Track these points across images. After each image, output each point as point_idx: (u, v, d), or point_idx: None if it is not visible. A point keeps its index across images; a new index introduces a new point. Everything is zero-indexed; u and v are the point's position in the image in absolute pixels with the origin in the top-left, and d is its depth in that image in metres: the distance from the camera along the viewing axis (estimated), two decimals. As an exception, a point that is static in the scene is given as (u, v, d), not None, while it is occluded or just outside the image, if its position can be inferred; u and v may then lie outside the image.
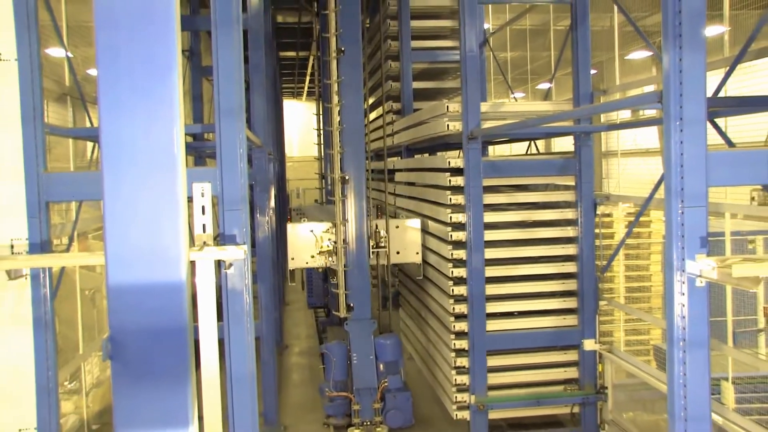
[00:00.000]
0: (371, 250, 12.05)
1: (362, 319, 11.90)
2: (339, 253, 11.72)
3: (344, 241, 11.73)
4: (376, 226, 12.18)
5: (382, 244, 12.17)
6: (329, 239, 11.92)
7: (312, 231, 12.00)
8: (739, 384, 9.03)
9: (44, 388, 6.48)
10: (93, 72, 2.85)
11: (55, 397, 6.57)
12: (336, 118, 11.69)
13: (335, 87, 11.62)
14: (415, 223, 12.55)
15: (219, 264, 5.92)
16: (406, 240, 12.43)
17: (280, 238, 18.70)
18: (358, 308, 11.84)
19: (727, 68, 7.30)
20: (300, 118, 42.59)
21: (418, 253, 12.50)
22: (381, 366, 11.48)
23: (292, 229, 12.14)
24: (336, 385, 11.51)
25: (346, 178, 11.69)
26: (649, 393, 10.44)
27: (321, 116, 21.97)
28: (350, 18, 11.78)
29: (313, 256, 12.03)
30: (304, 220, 12.33)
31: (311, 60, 24.39)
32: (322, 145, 22.88)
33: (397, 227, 12.36)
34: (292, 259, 12.09)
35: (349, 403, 11.35)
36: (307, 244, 11.97)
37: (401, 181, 15.37)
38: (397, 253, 12.39)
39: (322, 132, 22.47)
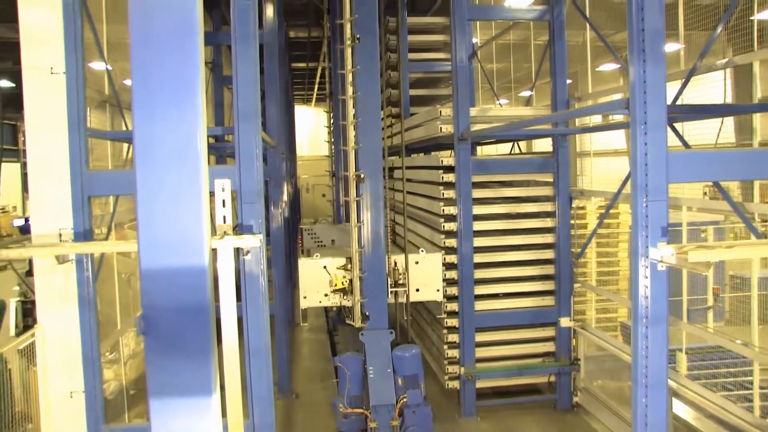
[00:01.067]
0: (389, 290, 9.89)
1: (379, 329, 9.75)
2: (354, 268, 9.67)
3: (359, 244, 9.72)
4: (395, 262, 10.04)
5: (401, 282, 10.05)
6: (344, 276, 9.83)
7: (325, 267, 9.90)
8: (690, 354, 9.09)
9: (89, 358, 6.53)
10: (128, 82, 2.88)
11: (98, 365, 6.62)
12: (351, 111, 9.70)
13: (350, 77, 9.66)
14: (436, 258, 10.35)
15: (238, 251, 5.95)
16: (426, 276, 10.20)
17: (291, 229, 18.68)
18: (375, 317, 9.75)
19: (683, 79, 7.33)
20: (309, 122, 42.72)
21: (438, 290, 10.29)
22: (399, 380, 9.36)
23: (303, 265, 10.00)
24: (350, 400, 9.50)
25: (362, 176, 9.61)
26: (616, 363, 10.49)
27: (332, 112, 19.76)
28: (366, 3, 9.79)
29: (326, 295, 9.93)
30: (316, 256, 9.95)
31: (319, 70, 24.35)
32: (333, 143, 20.56)
33: (417, 263, 10.12)
34: (305, 297, 9.95)
35: (365, 420, 9.36)
36: (321, 281, 9.89)
37: (398, 178, 15.37)
38: (417, 290, 10.16)
39: (332, 128, 20.04)
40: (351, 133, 9.69)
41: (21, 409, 6.80)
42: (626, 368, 9.93)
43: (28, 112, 6.48)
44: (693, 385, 8.59)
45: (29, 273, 7.04)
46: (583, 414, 11.22)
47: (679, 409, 9.04)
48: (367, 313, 9.75)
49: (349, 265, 9.80)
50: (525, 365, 11.38)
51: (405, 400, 9.19)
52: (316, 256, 9.96)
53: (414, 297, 10.22)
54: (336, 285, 9.83)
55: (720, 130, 8.60)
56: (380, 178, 9.76)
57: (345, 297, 9.88)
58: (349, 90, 9.64)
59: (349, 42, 9.54)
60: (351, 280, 9.71)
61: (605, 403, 10.78)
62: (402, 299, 10.16)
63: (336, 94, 16.63)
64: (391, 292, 9.94)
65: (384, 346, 9.59)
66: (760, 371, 7.94)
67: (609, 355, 10.62)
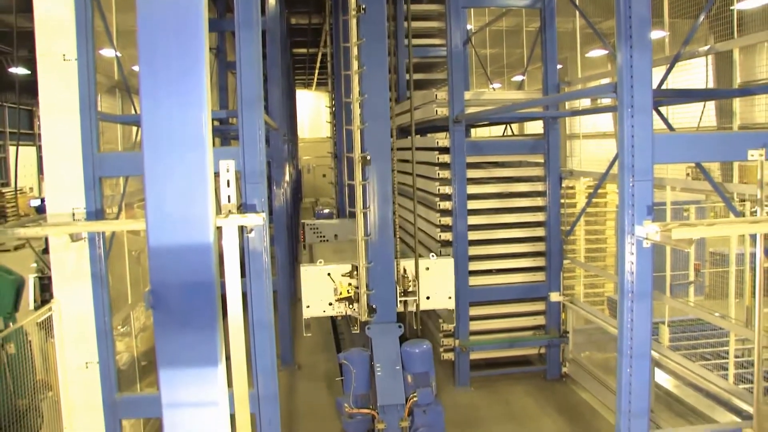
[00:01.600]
0: (398, 299, 8.80)
1: (387, 323, 8.68)
2: (360, 255, 8.56)
3: (366, 232, 8.61)
4: (404, 269, 8.90)
5: (411, 290, 8.90)
6: (350, 285, 8.75)
7: (329, 275, 8.76)
8: (672, 326, 9.14)
9: (102, 331, 6.55)
10: (137, 68, 2.87)
11: (111, 338, 6.64)
12: (356, 88, 8.52)
13: (355, 50, 8.45)
14: (447, 263, 9.17)
15: (242, 229, 5.95)
16: (437, 283, 9.06)
17: (293, 208, 18.69)
18: (382, 310, 8.69)
19: (668, 65, 7.30)
20: (310, 105, 42.76)
21: (450, 297, 9.12)
22: (409, 378, 8.34)
23: (306, 272, 8.84)
24: (356, 400, 8.43)
25: (368, 158, 8.47)
26: (603, 336, 10.53)
27: (333, 91, 18.38)
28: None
29: (331, 304, 8.81)
30: (320, 263, 8.80)
31: (320, 55, 24.20)
32: (335, 123, 19.18)
33: (428, 269, 8.97)
34: (308, 306, 8.87)
35: (372, 421, 8.35)
36: (324, 289, 8.78)
37: (401, 159, 15.36)
38: (428, 298, 9.00)
39: (334, 108, 18.74)
40: (356, 111, 8.52)
41: (41, 378, 6.85)
42: (612, 340, 9.97)
43: (43, 97, 6.45)
44: (674, 355, 8.64)
45: (45, 250, 7.04)
46: (571, 384, 11.28)
47: (661, 378, 9.10)
48: (373, 306, 8.67)
49: (355, 272, 8.69)
50: (516, 338, 11.42)
51: (415, 399, 8.20)
52: (320, 262, 8.83)
53: (425, 305, 9.05)
54: (341, 293, 8.73)
55: (702, 114, 8.58)
56: (388, 160, 8.65)
57: (351, 306, 8.76)
58: (354, 64, 8.45)
59: (354, 12, 8.39)
60: (357, 288, 8.63)
61: (592, 373, 10.84)
62: (412, 308, 9.00)
63: (338, 72, 16.22)
64: (401, 301, 8.80)
65: (392, 341, 8.49)
66: (735, 342, 7.99)
67: (596, 327, 10.66)
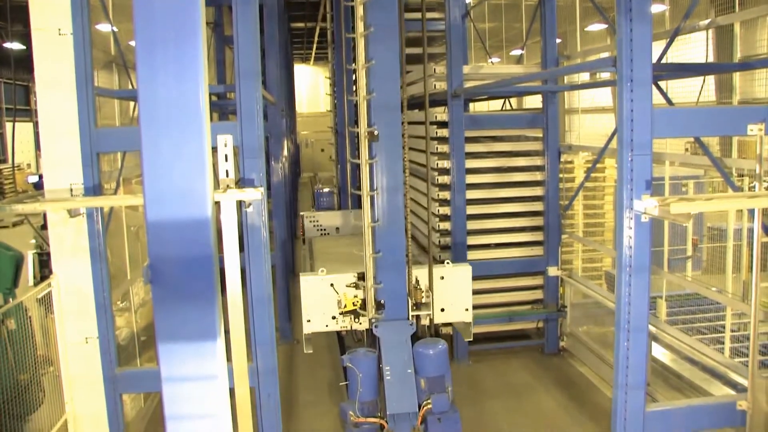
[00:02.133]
0: (410, 313, 7.83)
1: (397, 321, 7.73)
2: (366, 243, 7.62)
3: (373, 217, 7.65)
4: (416, 279, 7.92)
5: (424, 301, 7.94)
6: (355, 296, 7.84)
7: (332, 285, 7.85)
8: (669, 300, 9.18)
9: (101, 306, 6.57)
10: (133, 43, 2.84)
11: (111, 313, 6.66)
12: (362, 53, 7.43)
13: (360, 10, 7.36)
14: (464, 270, 8.15)
15: (240, 204, 5.94)
16: (453, 293, 8.09)
17: (291, 182, 18.64)
18: (391, 305, 7.73)
19: (668, 39, 7.25)
20: (308, 80, 42.64)
21: (468, 309, 8.14)
22: (422, 382, 7.41)
23: (306, 283, 7.88)
24: (363, 407, 7.43)
25: (375, 133, 7.50)
26: (600, 310, 10.58)
27: (333, 60, 17.12)
28: None
29: (334, 317, 7.89)
30: (321, 272, 7.87)
31: (318, 29, 23.99)
32: (336, 95, 17.64)
33: (443, 278, 8.01)
34: (308, 321, 7.93)
35: (380, 430, 7.46)
36: (327, 301, 7.89)
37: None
38: (442, 310, 8.05)
39: (335, 78, 17.32)
40: (362, 80, 7.51)
41: (42, 353, 6.88)
42: (610, 314, 10.02)
43: (38, 72, 6.41)
44: (671, 329, 8.69)
45: (44, 227, 7.04)
46: (568, 357, 11.35)
47: (658, 352, 9.16)
48: (381, 301, 7.76)
49: (361, 282, 7.81)
50: (514, 312, 11.47)
51: (429, 406, 7.28)
52: (321, 271, 7.91)
53: (439, 318, 8.11)
54: (346, 306, 7.82)
55: (702, 88, 8.55)
56: (398, 135, 7.66)
57: (357, 320, 7.87)
58: (360, 26, 7.41)
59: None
60: (364, 300, 7.76)
61: (589, 347, 10.90)
62: (425, 322, 8.07)
63: (339, 39, 15.47)
64: (412, 315, 7.85)
65: (403, 341, 7.57)
66: (732, 316, 8.03)
67: (594, 302, 10.71)
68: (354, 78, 7.88)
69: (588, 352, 10.92)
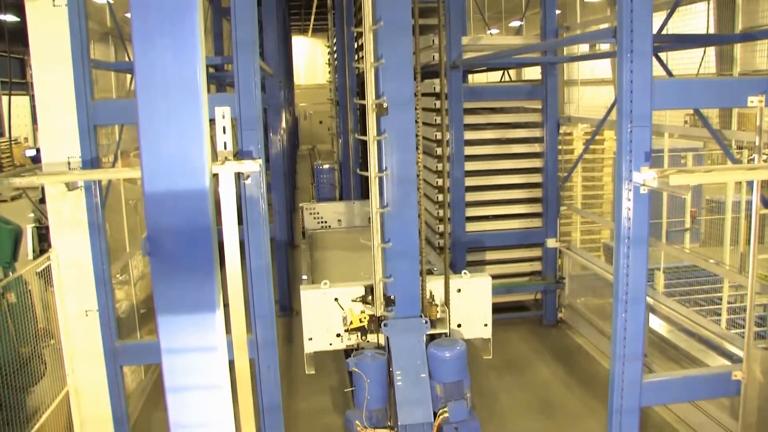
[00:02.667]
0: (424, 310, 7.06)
1: (409, 318, 6.91)
2: (375, 232, 6.80)
3: (381, 203, 6.80)
4: (430, 293, 7.16)
5: (439, 317, 7.14)
6: (363, 313, 7.05)
7: (337, 300, 7.09)
8: (667, 272, 9.22)
9: (101, 279, 6.58)
10: (129, 14, 2.82)
11: (110, 286, 6.68)
12: (369, 13, 6.51)
13: None
14: (483, 282, 7.40)
15: (238, 176, 5.92)
16: (470, 307, 7.34)
17: (290, 155, 18.54)
18: (403, 301, 6.92)
19: (669, 10, 7.19)
20: (306, 51, 42.36)
21: (487, 324, 7.40)
22: (438, 388, 6.63)
23: (307, 298, 7.13)
24: (371, 417, 6.72)
25: (384, 105, 6.61)
26: (598, 282, 10.62)
27: (334, 26, 16.06)
28: None
29: (339, 335, 7.15)
30: (324, 284, 7.07)
31: (315, 1, 23.79)
32: (336, 63, 16.27)
33: (459, 291, 7.23)
34: (310, 339, 7.17)
35: None
36: (331, 317, 7.14)
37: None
38: (459, 326, 7.36)
39: (335, 46, 16.16)
40: (369, 45, 6.52)
41: (43, 326, 6.91)
42: (607, 286, 10.06)
43: (33, 45, 6.35)
44: (668, 301, 8.73)
45: (42, 200, 7.03)
46: (566, 329, 11.42)
47: (655, 323, 9.21)
48: (391, 296, 6.94)
49: (370, 297, 7.01)
50: (513, 283, 11.51)
51: (446, 415, 6.54)
52: (324, 284, 7.11)
53: (455, 335, 7.34)
54: (352, 323, 7.07)
55: (702, 60, 8.49)
56: (411, 108, 6.76)
57: (364, 337, 7.13)
58: None
59: None
60: (372, 316, 7.01)
61: (587, 318, 10.97)
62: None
63: (339, 3, 14.73)
64: (426, 334, 6.98)
65: (416, 342, 6.76)
66: (729, 288, 8.07)
67: (592, 274, 10.74)
68: (358, 44, 7.50)
69: (586, 323, 10.99)
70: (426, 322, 6.88)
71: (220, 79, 12.52)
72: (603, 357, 10.14)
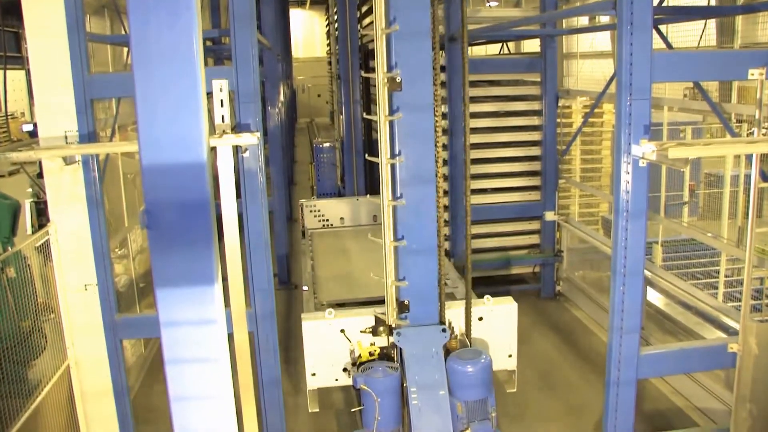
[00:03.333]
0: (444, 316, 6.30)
1: (425, 326, 6.13)
2: (386, 229, 5.95)
3: (394, 194, 5.94)
4: (449, 322, 6.32)
5: (457, 348, 6.24)
6: (372, 345, 6.27)
7: (343, 332, 6.25)
8: (665, 246, 9.24)
9: (100, 253, 6.58)
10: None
11: (109, 260, 6.68)
12: None
13: None
14: (509, 309, 6.49)
15: (236, 149, 5.90)
16: (493, 336, 6.49)
17: (288, 128, 18.42)
18: (419, 307, 6.14)
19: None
20: (304, 24, 42.06)
21: (511, 355, 6.56)
22: (459, 407, 5.82)
23: (310, 329, 6.30)
24: None
25: (397, 79, 5.69)
26: (597, 255, 10.65)
27: None
28: None
29: (346, 369, 6.34)
30: (329, 313, 6.27)
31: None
32: (337, 32, 14.65)
33: (481, 319, 6.41)
34: (313, 374, 6.39)
35: None
36: (336, 350, 6.31)
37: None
38: None
39: (335, 12, 14.77)
40: (380, 8, 5.65)
41: (43, 301, 6.93)
42: (605, 259, 10.09)
43: (27, 18, 6.27)
44: (666, 274, 8.76)
45: (40, 175, 7.01)
46: (564, 302, 11.48)
47: (653, 296, 9.25)
48: (405, 302, 6.14)
49: (381, 328, 6.19)
50: (511, 256, 11.54)
51: None
52: (329, 313, 6.31)
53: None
54: (360, 357, 6.25)
55: (703, 32, 8.42)
56: (429, 82, 5.85)
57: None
58: None
59: None
60: (384, 349, 6.28)
61: (585, 291, 11.01)
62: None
63: None
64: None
65: (433, 353, 5.96)
66: (726, 261, 8.09)
67: (590, 247, 10.77)
68: (361, 12, 6.47)
69: (584, 296, 11.04)
70: (444, 330, 6.09)
71: (217, 53, 12.44)
72: (600, 330, 10.20)
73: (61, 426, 6.52)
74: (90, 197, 6.46)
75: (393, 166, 5.94)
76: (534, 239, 11.63)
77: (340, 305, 7.01)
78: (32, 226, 7.65)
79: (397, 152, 5.92)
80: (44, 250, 6.48)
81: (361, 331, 6.27)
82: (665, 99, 9.01)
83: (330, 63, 20.36)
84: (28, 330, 6.66)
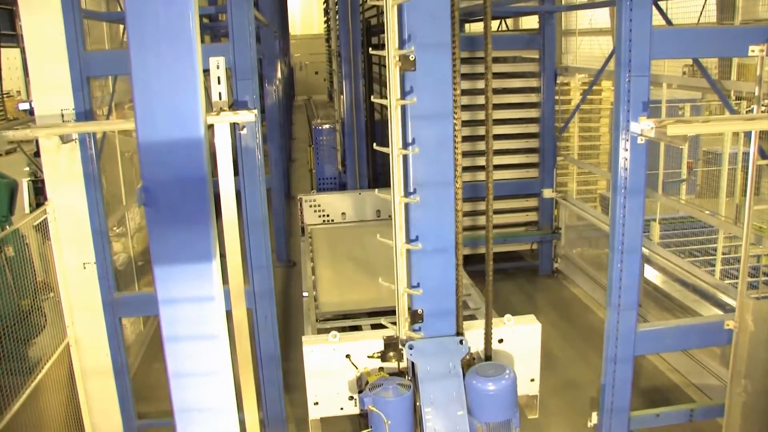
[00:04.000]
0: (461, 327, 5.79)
1: (441, 338, 5.54)
2: (397, 229, 5.31)
3: (406, 189, 5.31)
4: (468, 350, 5.62)
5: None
6: (380, 371, 5.69)
7: (349, 357, 5.66)
8: (663, 223, 9.25)
9: (98, 231, 6.58)
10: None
11: (107, 238, 6.69)
12: None
13: None
14: (532, 329, 5.96)
15: (234, 127, 5.88)
16: (514, 359, 5.93)
17: (286, 105, 18.32)
18: (434, 316, 5.52)
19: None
20: (301, 1, 41.70)
21: (534, 379, 6.02)
22: (480, 429, 5.30)
23: (312, 354, 5.72)
24: None
25: (411, 58, 5.06)
26: (594, 232, 10.67)
27: None
28: None
29: (352, 398, 5.76)
30: (333, 336, 5.69)
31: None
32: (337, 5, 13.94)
33: (501, 341, 5.84)
34: (316, 403, 5.84)
35: None
36: (341, 376, 5.72)
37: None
38: None
39: None
40: None
41: (42, 279, 6.94)
42: (603, 237, 10.11)
43: (22, -6, 6.22)
44: (664, 251, 8.78)
45: (37, 154, 6.99)
46: (562, 279, 11.51)
47: (650, 274, 9.28)
48: (419, 310, 5.50)
49: (392, 353, 5.61)
50: (509, 234, 11.55)
51: None
52: (333, 336, 5.70)
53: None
54: (368, 384, 5.55)
55: (703, 8, 8.36)
56: (447, 59, 5.23)
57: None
58: None
59: None
60: (394, 374, 5.64)
61: (583, 269, 11.04)
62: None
63: None
64: None
65: (450, 369, 5.38)
66: (723, 239, 8.11)
67: (588, 224, 10.78)
68: None
69: (581, 273, 11.07)
70: (462, 342, 5.46)
71: (214, 30, 12.36)
72: (598, 307, 10.24)
73: (62, 403, 6.56)
74: (87, 175, 6.45)
75: (405, 158, 5.26)
76: (532, 216, 11.63)
77: (344, 316, 6.70)
78: (30, 205, 7.64)
79: (410, 140, 5.21)
80: (42, 228, 6.48)
81: (368, 356, 5.66)
82: (664, 76, 8.97)
83: (327, 40, 20.12)
84: (28, 309, 6.68)
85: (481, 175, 11.25)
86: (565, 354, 8.99)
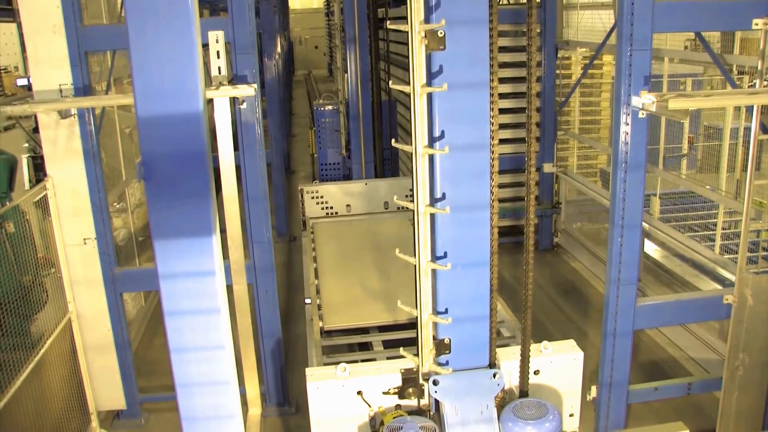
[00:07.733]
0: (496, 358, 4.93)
1: (472, 371, 4.65)
2: (420, 245, 4.34)
3: (432, 194, 4.31)
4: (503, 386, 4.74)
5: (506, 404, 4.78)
6: (397, 410, 4.72)
7: (360, 394, 4.68)
8: (663, 198, 9.25)
9: (98, 207, 6.58)
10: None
11: (107, 214, 6.69)
12: None
13: None
14: (574, 358, 5.01)
15: (234, 101, 5.85)
16: (552, 392, 4.98)
17: (285, 80, 18.19)
18: (464, 346, 4.61)
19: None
20: (301, -25, 41.38)
21: (573, 414, 5.07)
22: None
23: (317, 391, 4.61)
24: None
25: (440, 34, 3.89)
26: (594, 207, 10.67)
27: None
28: None
29: None
30: (342, 370, 4.63)
31: None
32: None
33: (537, 372, 4.90)
34: None
35: None
36: (351, 420, 4.73)
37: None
38: None
39: None
40: None
41: (43, 255, 6.95)
42: (603, 212, 10.11)
43: (17, -32, 6.16)
44: (664, 226, 8.79)
45: (36, 130, 6.96)
46: (562, 254, 11.53)
47: (650, 248, 9.30)
48: (446, 340, 4.58)
49: (410, 389, 4.66)
50: (508, 208, 11.55)
51: None
52: (342, 369, 4.69)
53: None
54: (383, 423, 4.58)
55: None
56: (484, 38, 4.18)
57: None
58: None
59: None
60: (411, 413, 4.68)
61: (583, 243, 11.05)
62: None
63: None
64: None
65: (483, 408, 4.58)
66: (723, 214, 8.12)
67: (588, 199, 10.78)
68: None
69: (581, 248, 11.08)
70: (496, 376, 4.64)
71: (213, 4, 12.27)
72: (597, 281, 10.26)
73: (64, 378, 6.60)
74: (87, 151, 6.43)
75: (432, 158, 4.23)
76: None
77: (351, 331, 6.05)
78: (30, 181, 7.62)
79: (437, 136, 4.18)
80: (42, 205, 6.47)
81: (383, 393, 4.73)
82: (666, 50, 8.92)
83: (327, 14, 19.90)
84: (29, 284, 6.69)
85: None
86: (564, 328, 9.03)
